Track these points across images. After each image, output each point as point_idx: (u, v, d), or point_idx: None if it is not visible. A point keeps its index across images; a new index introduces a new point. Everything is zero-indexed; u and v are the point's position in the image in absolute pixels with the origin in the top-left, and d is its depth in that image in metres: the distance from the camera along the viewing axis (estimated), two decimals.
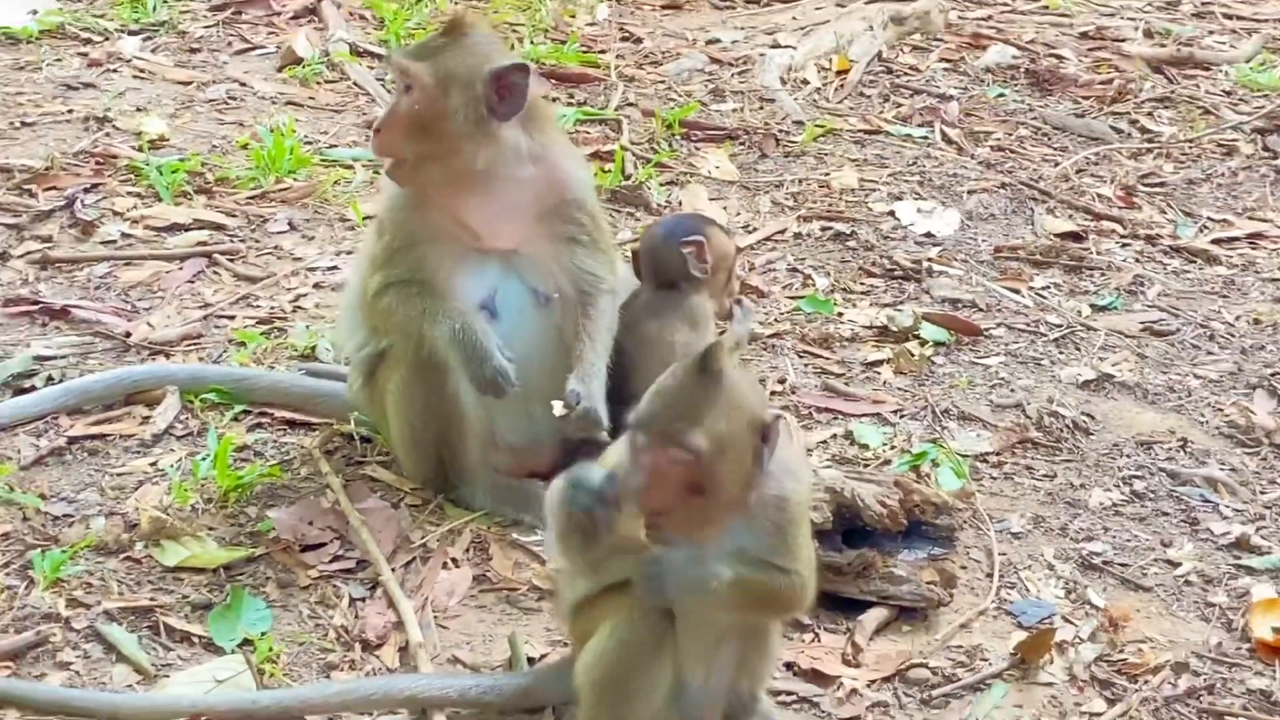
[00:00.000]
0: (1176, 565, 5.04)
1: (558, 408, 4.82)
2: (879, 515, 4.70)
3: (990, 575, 4.92)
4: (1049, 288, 6.75)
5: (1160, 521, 5.26)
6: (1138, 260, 7.08)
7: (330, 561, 4.79)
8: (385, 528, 4.91)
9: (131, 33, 8.87)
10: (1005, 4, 10.39)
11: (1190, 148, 8.30)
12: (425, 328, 4.84)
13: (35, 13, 8.95)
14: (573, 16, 9.51)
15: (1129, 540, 5.13)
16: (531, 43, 8.95)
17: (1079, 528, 5.18)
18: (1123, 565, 5.00)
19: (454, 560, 4.83)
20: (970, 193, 7.56)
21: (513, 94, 4.87)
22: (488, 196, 4.92)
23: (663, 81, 8.68)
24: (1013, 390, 5.93)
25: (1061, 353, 6.26)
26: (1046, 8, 10.38)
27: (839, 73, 8.97)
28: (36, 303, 6.12)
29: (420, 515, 5.05)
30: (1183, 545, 5.12)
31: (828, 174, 7.66)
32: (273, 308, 6.24)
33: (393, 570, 4.75)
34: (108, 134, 7.61)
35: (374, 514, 4.97)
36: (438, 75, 4.84)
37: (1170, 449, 5.65)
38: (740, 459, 3.65)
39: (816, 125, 8.14)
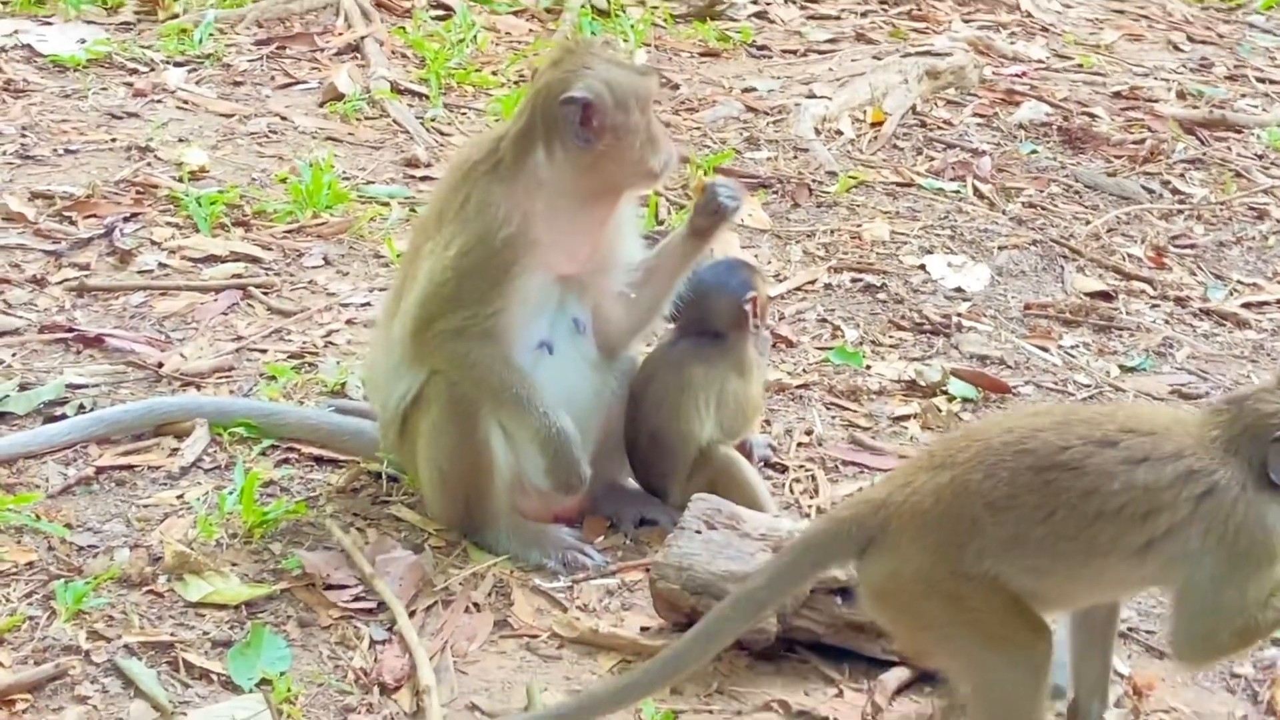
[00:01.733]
0: None
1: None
2: None
3: None
4: (1078, 347, 6.63)
5: None
6: (1167, 322, 6.96)
7: (352, 601, 4.69)
8: (408, 571, 4.80)
9: (177, 64, 8.82)
10: (1040, 61, 10.29)
11: (1221, 210, 8.18)
12: (509, 410, 4.82)
13: (84, 42, 8.91)
14: None
15: (1155, 607, 4.99)
16: None
17: None
18: (1149, 632, 4.87)
19: (475, 605, 4.73)
20: (1001, 248, 7.45)
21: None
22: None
23: (698, 128, 8.60)
24: None
25: None
26: (1080, 66, 10.28)
27: (873, 124, 8.88)
28: (71, 330, 6.05)
29: (444, 558, 4.94)
30: None
31: (859, 225, 7.55)
32: (304, 342, 6.15)
33: (413, 613, 4.65)
34: (149, 164, 7.55)
35: (397, 557, 4.85)
36: None
37: None
38: None
39: (849, 176, 8.04)
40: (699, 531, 4.58)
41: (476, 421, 4.80)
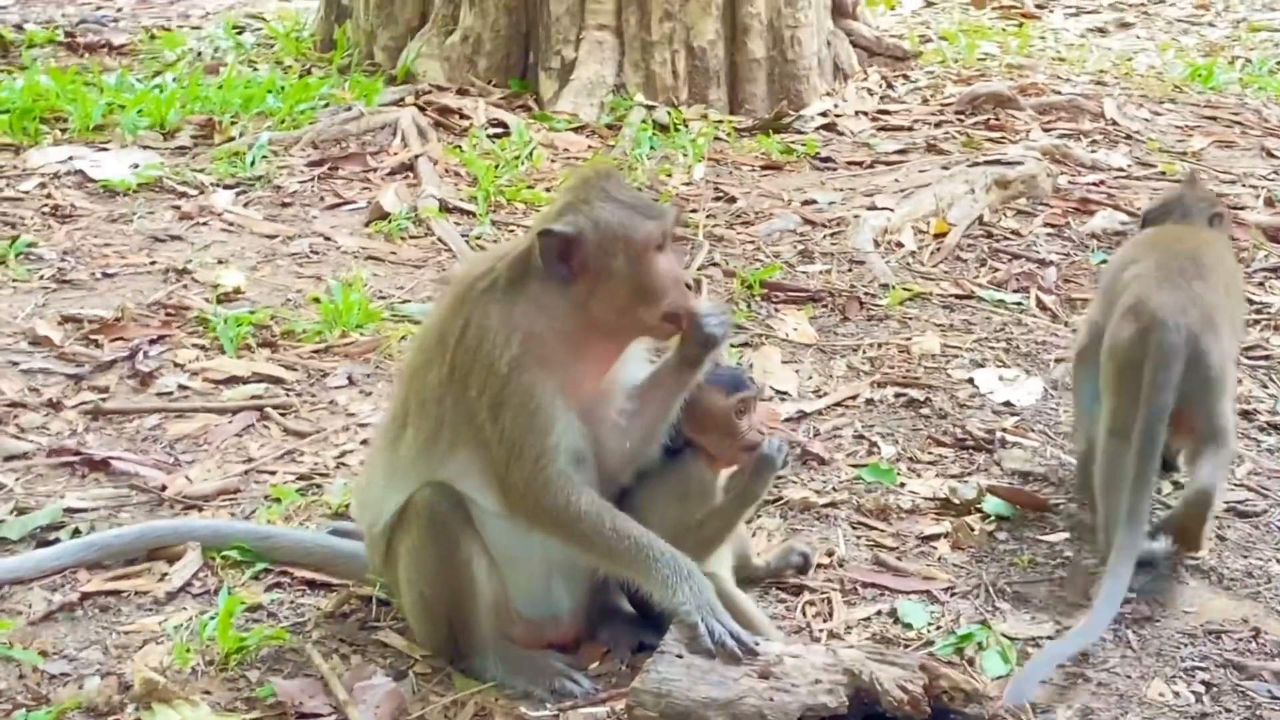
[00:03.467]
0: None
1: None
2: (899, 701, 4.38)
3: None
4: None
5: (1222, 719, 4.87)
6: None
7: None
8: (385, 698, 4.68)
9: (227, 186, 8.91)
10: (1120, 169, 10.09)
11: None
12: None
13: (137, 166, 9.03)
14: (669, 175, 9.38)
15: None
16: None
17: None
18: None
19: None
20: (1058, 361, 7.25)
21: None
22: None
23: (752, 242, 8.51)
24: (1076, 570, 5.57)
25: None
26: (1164, 174, 10.07)
27: (936, 235, 8.74)
28: (79, 453, 6.04)
29: (427, 684, 4.82)
30: None
31: (909, 339, 7.40)
32: (315, 463, 6.10)
33: None
34: (185, 285, 7.60)
35: (376, 684, 4.73)
36: None
37: (1241, 639, 5.25)
38: None
39: (904, 288, 7.90)
40: (679, 655, 4.42)
41: (457, 543, 4.69)
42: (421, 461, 4.77)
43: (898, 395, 6.85)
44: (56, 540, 5.46)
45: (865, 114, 10.80)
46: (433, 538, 4.72)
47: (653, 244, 4.68)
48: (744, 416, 4.88)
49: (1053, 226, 9.03)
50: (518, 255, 4.78)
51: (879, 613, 5.31)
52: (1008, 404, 6.84)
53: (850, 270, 8.19)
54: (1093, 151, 10.30)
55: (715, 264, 8.16)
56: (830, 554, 5.63)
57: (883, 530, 5.83)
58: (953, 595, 5.42)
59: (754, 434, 4.91)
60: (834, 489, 6.08)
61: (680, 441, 4.92)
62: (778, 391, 6.86)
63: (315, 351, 7.01)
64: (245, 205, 8.72)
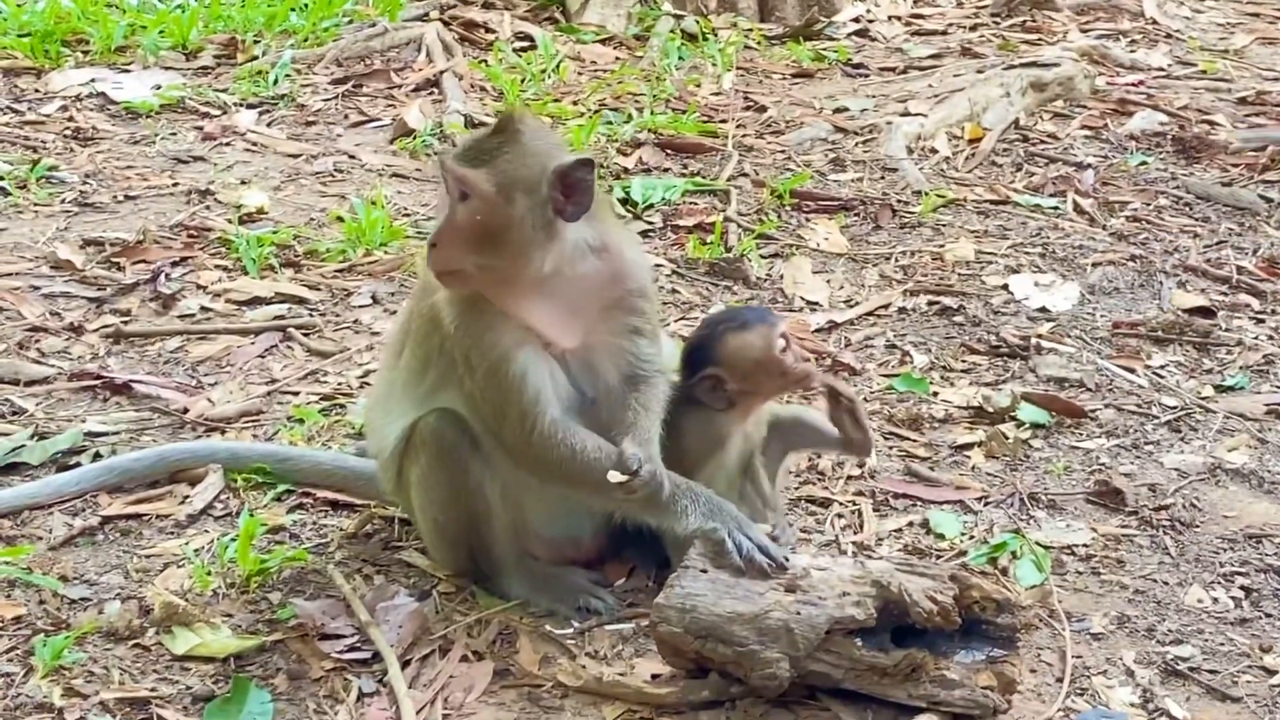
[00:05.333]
0: (1272, 674, 4.55)
1: (614, 475, 4.45)
2: (928, 612, 4.29)
3: (1060, 680, 4.48)
4: (1167, 366, 6.30)
5: (1261, 625, 4.77)
6: (1271, 338, 6.58)
7: (346, 652, 4.52)
8: (408, 619, 4.63)
9: (250, 106, 8.83)
10: (1159, 69, 9.92)
11: None
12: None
13: (159, 88, 8.95)
14: (698, 86, 9.25)
15: (1222, 645, 4.66)
16: (651, 112, 8.71)
17: (1168, 629, 4.72)
18: (1211, 673, 4.53)
19: (475, 653, 4.53)
20: (1095, 265, 7.13)
21: (579, 191, 4.47)
22: (554, 298, 4.53)
23: (782, 151, 8.39)
24: (1112, 477, 5.47)
25: (1173, 437, 5.80)
26: (1204, 73, 9.90)
27: (971, 141, 8.61)
28: (100, 377, 5.98)
29: (450, 604, 4.76)
30: None
31: (943, 246, 7.29)
32: (339, 384, 6.04)
33: (409, 663, 4.47)
34: (207, 207, 7.53)
35: (398, 605, 4.68)
36: (499, 181, 4.41)
37: None
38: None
39: (938, 195, 7.77)
40: (704, 570, 4.34)
41: (467, 468, 4.61)
42: (412, 390, 4.71)
43: (930, 303, 6.76)
44: (77, 465, 5.41)
45: (898, 19, 10.66)
46: (441, 464, 4.64)
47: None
48: (788, 351, 4.76)
49: (1090, 129, 8.90)
50: None
51: (910, 524, 5.23)
52: (1043, 310, 6.74)
53: (882, 178, 8.07)
54: (1132, 51, 10.15)
55: (745, 174, 8.05)
56: (861, 465, 5.54)
57: (915, 440, 5.74)
58: (986, 505, 5.35)
59: (804, 365, 4.80)
60: (866, 399, 5.99)
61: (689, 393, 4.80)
62: (808, 302, 6.77)
63: (339, 271, 6.94)
64: (268, 125, 8.64)
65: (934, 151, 8.47)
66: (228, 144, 8.34)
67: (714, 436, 4.76)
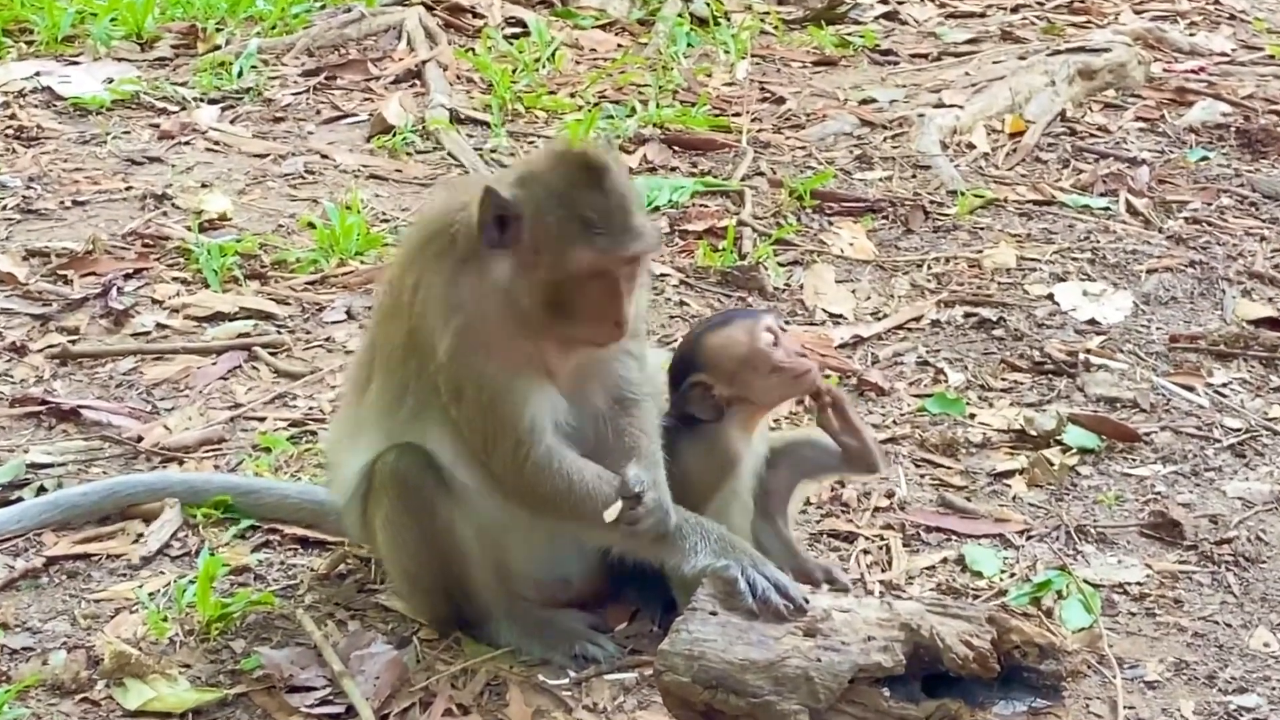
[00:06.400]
0: None
1: (610, 513, 4.47)
2: (964, 659, 4.30)
3: None
4: (1231, 384, 6.32)
5: None
6: None
7: (317, 705, 4.55)
8: (386, 668, 4.64)
9: (212, 101, 8.89)
10: (1222, 54, 9.94)
11: None
12: None
13: (111, 81, 8.99)
14: (708, 76, 9.29)
15: None
16: (657, 105, 8.74)
17: (1230, 677, 4.74)
18: None
19: (460, 706, 4.56)
20: (1150, 272, 7.16)
21: None
22: None
23: (803, 147, 8.43)
24: (1169, 507, 5.49)
25: (1236, 462, 5.82)
26: (1272, 58, 9.92)
27: (1012, 135, 8.66)
28: (45, 402, 6.02)
29: (432, 652, 4.78)
30: None
31: (981, 251, 7.32)
32: (310, 408, 6.08)
33: (387, 717, 4.49)
34: (164, 213, 7.58)
35: (375, 653, 4.70)
36: None
37: None
38: None
39: (975, 195, 7.80)
40: (714, 613, 4.34)
41: (435, 509, 4.62)
42: (386, 421, 4.71)
43: (967, 315, 6.79)
44: (19, 499, 5.44)
45: (931, 0, 10.67)
46: (406, 506, 4.66)
47: (589, 270, 4.46)
48: (778, 345, 4.77)
49: (1145, 121, 8.94)
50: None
51: (944, 560, 5.26)
52: (1092, 322, 6.77)
53: (914, 176, 8.10)
54: (1191, 34, 10.18)
55: (761, 173, 8.09)
56: (890, 496, 5.57)
57: (949, 468, 5.77)
58: (1029, 539, 5.37)
59: (799, 359, 4.81)
60: (894, 422, 6.03)
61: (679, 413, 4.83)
62: (831, 315, 6.80)
63: (310, 283, 6.98)
64: (232, 121, 8.69)
65: (971, 147, 8.50)
66: (187, 143, 8.39)
67: (720, 460, 4.79)
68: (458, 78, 9.21)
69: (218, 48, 9.48)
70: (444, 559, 4.69)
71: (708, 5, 10.16)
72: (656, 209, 7.55)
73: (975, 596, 5.04)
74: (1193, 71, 9.59)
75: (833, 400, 4.86)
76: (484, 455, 4.59)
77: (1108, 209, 7.84)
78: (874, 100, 9.05)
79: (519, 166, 4.77)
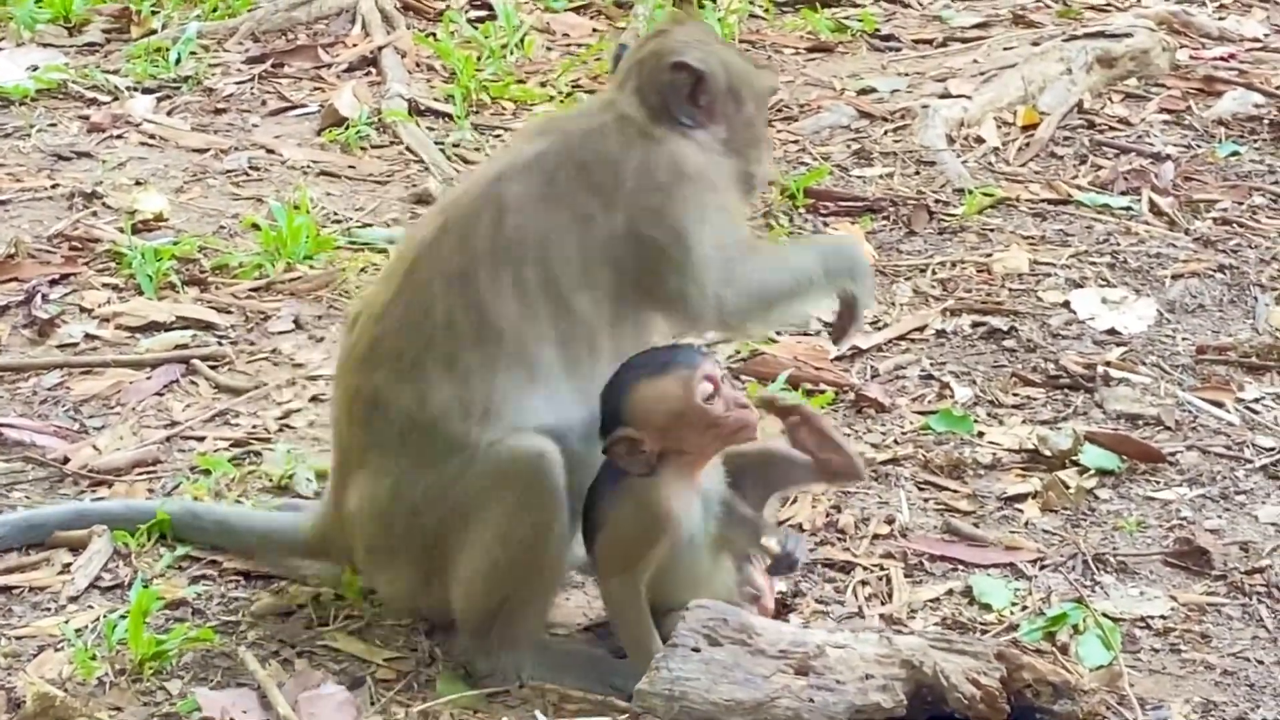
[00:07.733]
0: None
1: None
2: (970, 698, 4.35)
3: None
4: (1263, 400, 6.36)
5: None
6: None
7: None
8: (337, 711, 4.67)
9: (147, 90, 8.91)
10: (1255, 40, 9.99)
11: None
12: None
13: (36, 69, 9.00)
14: None
15: None
16: None
17: (1262, 718, 4.78)
18: None
19: None
20: (1176, 277, 7.20)
21: None
22: None
23: (795, 141, 8.48)
24: (1195, 534, 5.52)
25: (1269, 485, 5.87)
26: None
27: (1024, 128, 8.68)
28: None
29: (388, 693, 4.80)
30: None
31: (990, 255, 7.36)
32: (254, 426, 6.11)
33: None
34: (94, 213, 7.60)
35: (326, 694, 4.72)
36: None
37: None
38: None
39: (984, 193, 7.84)
40: (696, 649, 4.38)
41: (556, 517, 4.73)
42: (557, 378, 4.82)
43: (975, 325, 6.82)
44: None
45: None
46: (539, 504, 4.70)
47: (769, 96, 5.45)
48: (716, 396, 4.73)
49: (1170, 112, 8.96)
50: (634, 98, 5.01)
51: (950, 592, 5.29)
52: (1112, 332, 6.81)
53: (917, 173, 8.15)
54: (1220, 18, 10.22)
55: None
56: (890, 522, 5.60)
57: (956, 491, 5.81)
58: (1042, 568, 5.41)
59: (739, 411, 4.74)
60: (896, 442, 6.06)
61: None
62: (825, 324, 6.79)
63: (253, 290, 7.01)
64: (169, 113, 8.72)
65: (980, 141, 8.55)
66: (119, 136, 8.43)
67: (650, 518, 4.69)
68: (417, 65, 9.25)
69: (153, 32, 9.49)
70: (535, 569, 4.78)
71: None
72: None
73: (983, 631, 5.06)
74: (1222, 59, 9.64)
75: (801, 417, 4.88)
76: (721, 283, 4.93)
77: (1129, 209, 7.87)
78: (874, 90, 9.08)
79: (658, 46, 5.11)
